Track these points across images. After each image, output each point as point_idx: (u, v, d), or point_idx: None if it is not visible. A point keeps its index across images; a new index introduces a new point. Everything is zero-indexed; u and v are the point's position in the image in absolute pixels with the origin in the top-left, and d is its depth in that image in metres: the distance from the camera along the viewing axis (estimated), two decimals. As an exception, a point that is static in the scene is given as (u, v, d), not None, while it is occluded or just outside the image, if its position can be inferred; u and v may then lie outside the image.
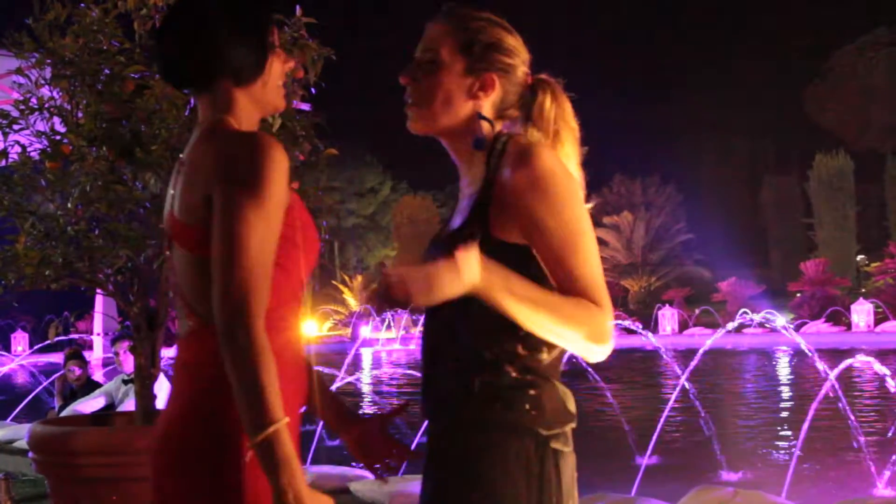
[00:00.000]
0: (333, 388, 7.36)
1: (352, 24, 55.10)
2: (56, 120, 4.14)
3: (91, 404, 6.63)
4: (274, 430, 1.61)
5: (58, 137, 4.06)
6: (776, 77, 46.44)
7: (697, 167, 45.39)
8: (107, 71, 4.04)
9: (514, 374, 1.73)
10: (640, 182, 42.47)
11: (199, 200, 1.76)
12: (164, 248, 2.01)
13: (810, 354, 7.86)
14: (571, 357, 2.09)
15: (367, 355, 21.71)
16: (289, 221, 1.79)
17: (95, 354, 18.67)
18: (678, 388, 7.90)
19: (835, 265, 29.92)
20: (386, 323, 26.32)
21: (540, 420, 1.72)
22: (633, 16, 55.41)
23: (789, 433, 8.59)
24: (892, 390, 6.36)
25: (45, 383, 11.20)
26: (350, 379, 10.37)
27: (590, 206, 1.81)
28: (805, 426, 5.80)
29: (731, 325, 11.45)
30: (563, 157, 1.81)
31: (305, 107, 4.24)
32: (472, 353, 1.75)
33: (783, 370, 16.87)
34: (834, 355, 8.53)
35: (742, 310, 21.04)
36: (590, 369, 8.63)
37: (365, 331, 25.46)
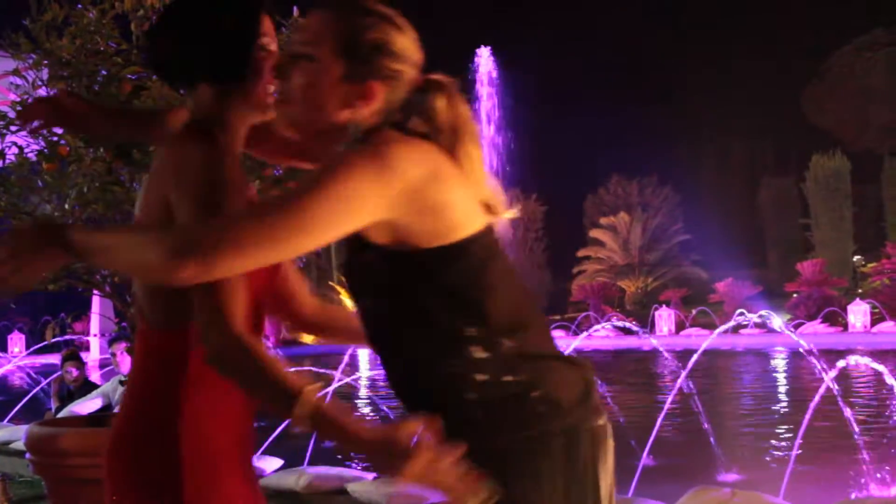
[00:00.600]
0: (330, 388, 7.37)
1: (349, 25, 54.89)
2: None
3: (88, 405, 6.63)
4: (299, 404, 1.57)
5: (55, 139, 4.05)
6: (774, 77, 46.46)
7: (695, 168, 45.39)
8: (104, 72, 4.05)
9: (487, 377, 1.65)
10: (637, 182, 42.49)
11: (154, 200, 1.77)
12: None
13: (809, 354, 7.86)
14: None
15: (363, 356, 21.67)
16: None
17: (92, 356, 18.66)
18: (675, 389, 7.89)
19: (832, 266, 29.96)
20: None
21: (554, 408, 1.65)
22: (632, 16, 55.45)
23: (787, 433, 8.59)
24: (890, 390, 6.36)
25: (42, 384, 11.17)
26: (347, 380, 10.35)
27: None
28: (802, 427, 5.79)
29: (727, 326, 11.44)
30: (465, 158, 1.68)
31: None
32: (438, 383, 1.66)
33: (780, 371, 16.88)
34: (830, 356, 8.53)
35: (739, 310, 21.05)
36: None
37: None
